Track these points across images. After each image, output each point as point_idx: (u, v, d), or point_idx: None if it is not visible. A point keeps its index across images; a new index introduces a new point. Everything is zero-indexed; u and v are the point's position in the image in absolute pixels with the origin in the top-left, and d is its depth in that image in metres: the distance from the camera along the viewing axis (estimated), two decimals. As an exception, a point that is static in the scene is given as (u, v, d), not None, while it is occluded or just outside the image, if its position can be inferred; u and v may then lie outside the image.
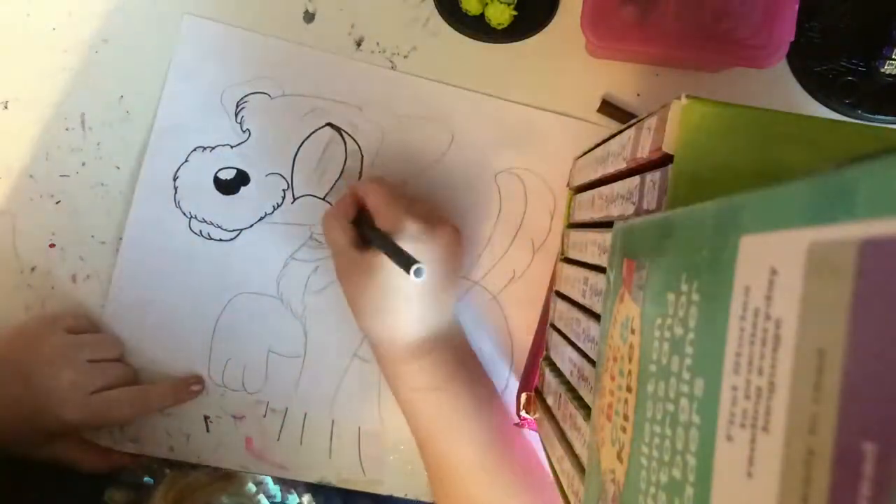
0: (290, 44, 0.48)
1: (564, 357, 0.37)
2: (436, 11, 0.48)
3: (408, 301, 0.42)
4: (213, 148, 0.49)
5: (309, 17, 0.49)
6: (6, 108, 0.49)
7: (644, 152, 0.27)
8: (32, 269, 0.49)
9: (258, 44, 0.48)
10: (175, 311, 0.49)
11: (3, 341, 0.46)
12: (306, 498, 0.51)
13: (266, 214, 0.49)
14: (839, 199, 0.12)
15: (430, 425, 0.44)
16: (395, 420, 0.49)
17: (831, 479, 0.11)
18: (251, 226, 0.49)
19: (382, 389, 0.49)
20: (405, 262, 0.35)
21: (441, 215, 0.44)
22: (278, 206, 0.49)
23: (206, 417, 0.49)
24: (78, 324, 0.47)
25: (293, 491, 0.51)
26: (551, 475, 0.37)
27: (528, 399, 0.44)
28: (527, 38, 0.48)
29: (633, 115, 0.47)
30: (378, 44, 0.48)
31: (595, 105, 0.48)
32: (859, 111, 0.46)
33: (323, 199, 0.49)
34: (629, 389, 0.22)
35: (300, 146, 0.49)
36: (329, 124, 0.49)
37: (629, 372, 0.22)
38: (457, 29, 0.48)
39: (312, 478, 0.49)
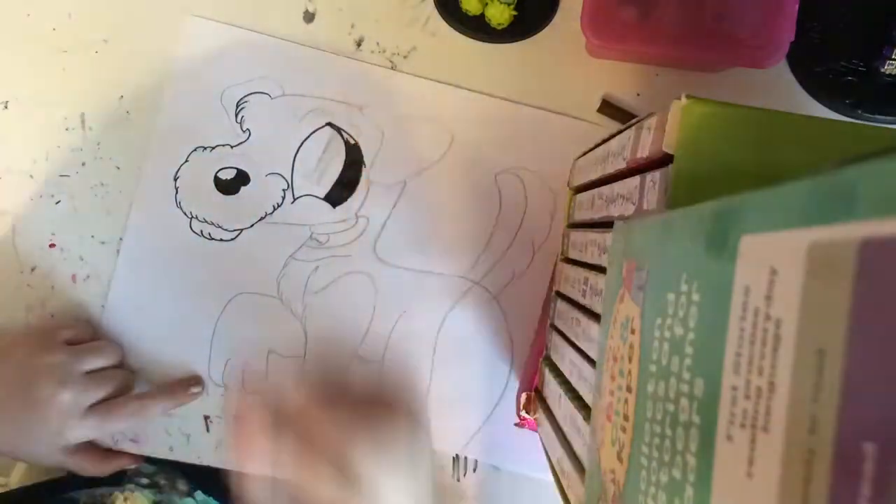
0: (290, 44, 0.48)
1: (564, 357, 0.37)
2: (436, 11, 0.48)
3: None
4: (213, 148, 0.49)
5: (309, 17, 0.49)
6: (6, 108, 0.49)
7: (644, 152, 0.27)
8: (32, 269, 0.49)
9: (258, 44, 0.48)
10: (175, 311, 0.49)
11: (1, 357, 0.45)
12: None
13: (266, 214, 0.49)
14: (839, 199, 0.12)
15: None
16: (395, 420, 0.49)
17: (831, 479, 0.11)
18: (251, 226, 0.49)
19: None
20: None
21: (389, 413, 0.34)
22: (278, 206, 0.49)
23: (206, 417, 0.49)
24: (77, 334, 0.47)
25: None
26: (551, 476, 0.37)
27: (528, 399, 0.44)
28: (527, 38, 0.48)
29: (633, 115, 0.47)
30: (378, 44, 0.48)
31: (595, 105, 0.48)
32: (859, 111, 0.46)
33: (323, 199, 0.49)
34: (629, 389, 0.22)
35: (300, 146, 0.49)
36: (329, 124, 0.49)
37: (629, 372, 0.22)
38: (457, 29, 0.48)
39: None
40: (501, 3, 0.46)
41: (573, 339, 0.36)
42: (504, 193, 0.48)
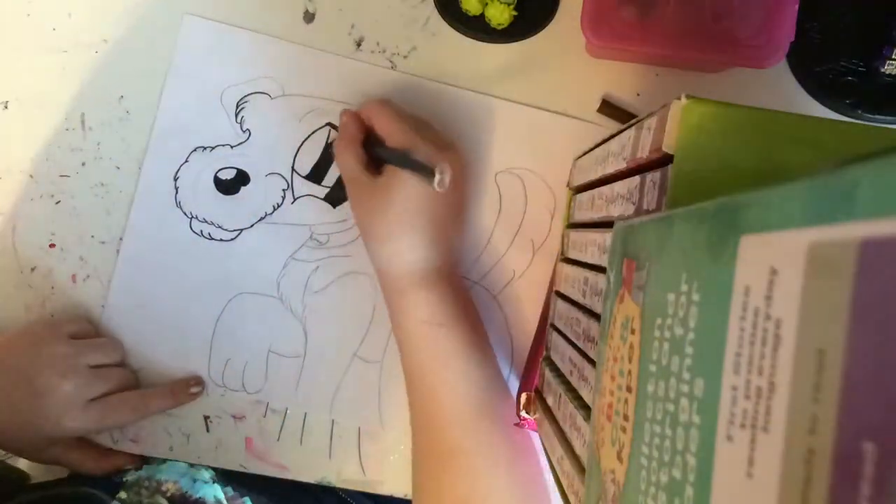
0: (290, 44, 0.48)
1: (564, 357, 0.37)
2: (436, 11, 0.48)
3: (417, 229, 0.42)
4: (213, 148, 0.49)
5: (309, 17, 0.49)
6: (6, 108, 0.49)
7: (644, 152, 0.27)
8: (32, 269, 0.49)
9: (258, 44, 0.48)
10: (175, 312, 0.49)
11: (5, 346, 0.46)
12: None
13: (266, 214, 0.49)
14: (839, 199, 0.12)
15: (427, 360, 0.43)
16: (395, 420, 0.49)
17: (831, 479, 0.11)
18: (251, 226, 0.49)
19: (382, 389, 0.49)
20: (427, 171, 0.35)
21: (451, 144, 0.45)
22: (278, 206, 0.49)
23: (206, 417, 0.49)
24: (80, 329, 0.47)
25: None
26: (551, 475, 0.37)
27: (528, 399, 0.44)
28: (527, 38, 0.48)
29: (633, 115, 0.47)
30: (378, 44, 0.48)
31: (595, 105, 0.48)
32: (859, 111, 0.46)
33: (323, 199, 0.49)
34: (629, 389, 0.22)
35: (300, 146, 0.49)
36: (329, 124, 0.49)
37: (629, 372, 0.22)
38: (457, 29, 0.48)
39: (312, 478, 0.49)
40: (501, 3, 0.46)
41: (573, 339, 0.36)
42: (504, 193, 0.48)
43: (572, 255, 0.41)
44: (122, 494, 0.44)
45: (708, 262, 0.17)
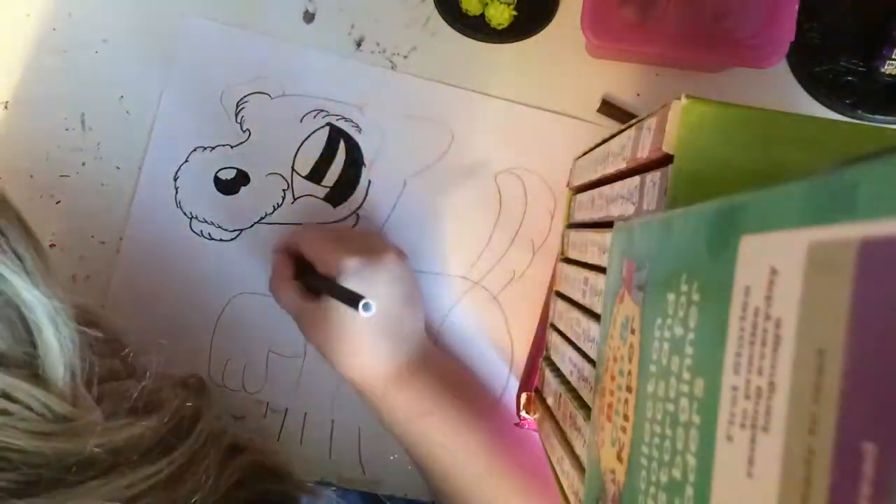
0: (290, 44, 0.48)
1: (564, 357, 0.37)
2: (436, 11, 0.48)
3: (373, 336, 0.41)
4: (213, 148, 0.49)
5: (309, 17, 0.49)
6: (6, 108, 0.49)
7: (644, 152, 0.27)
8: (32, 269, 0.49)
9: (258, 44, 0.48)
10: (175, 312, 0.49)
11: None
12: None
13: (266, 214, 0.49)
14: (839, 199, 0.12)
15: (430, 448, 0.43)
16: (395, 420, 0.49)
17: (831, 479, 0.11)
18: (251, 226, 0.49)
19: (382, 389, 0.49)
20: (351, 299, 0.35)
21: (380, 243, 0.44)
22: (278, 206, 0.49)
23: (206, 417, 0.49)
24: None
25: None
26: (552, 476, 0.37)
27: (528, 399, 0.44)
28: (527, 38, 0.48)
29: (633, 115, 0.47)
30: (378, 44, 0.48)
31: (595, 105, 0.48)
32: (859, 111, 0.46)
33: (323, 199, 0.49)
34: (629, 389, 0.22)
35: (300, 146, 0.49)
36: (329, 124, 0.49)
37: (629, 372, 0.22)
38: (457, 29, 0.48)
39: (312, 478, 0.49)
40: (501, 3, 0.46)
41: (573, 339, 0.36)
42: (504, 193, 0.48)
43: (572, 255, 0.41)
44: None
45: (708, 262, 0.17)
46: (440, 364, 0.45)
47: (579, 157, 0.44)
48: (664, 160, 0.25)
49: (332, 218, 0.49)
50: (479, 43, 0.48)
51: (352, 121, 0.49)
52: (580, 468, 0.30)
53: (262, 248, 0.49)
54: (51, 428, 0.29)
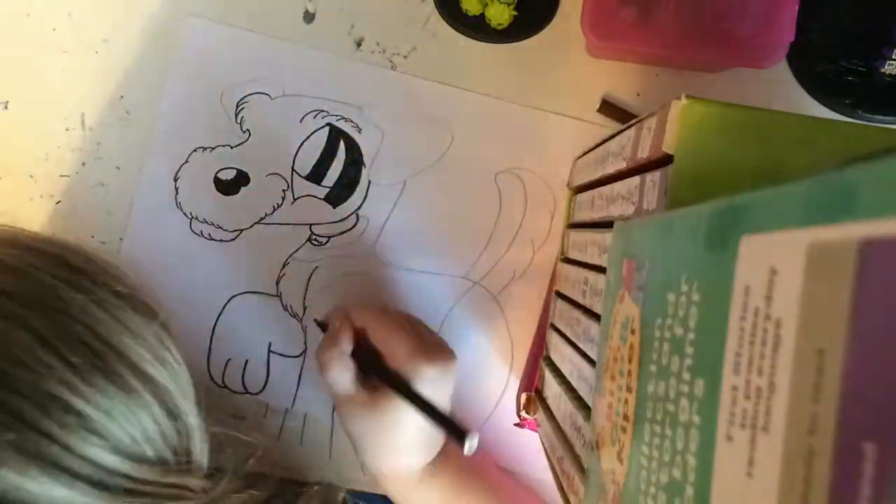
0: (290, 44, 0.48)
1: (564, 357, 0.37)
2: (436, 11, 0.48)
3: (420, 438, 0.40)
4: (213, 148, 0.49)
5: (309, 17, 0.49)
6: (6, 108, 0.49)
7: (644, 152, 0.27)
8: (32, 269, 0.49)
9: (258, 44, 0.48)
10: (175, 312, 0.49)
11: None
12: None
13: (266, 214, 0.49)
14: (839, 199, 0.12)
15: None
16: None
17: (831, 479, 0.11)
18: (251, 226, 0.49)
19: (382, 389, 0.49)
20: (457, 433, 0.33)
21: (446, 345, 0.42)
22: (278, 206, 0.49)
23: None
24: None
25: None
26: (552, 475, 0.37)
27: (528, 399, 0.44)
28: (527, 38, 0.48)
29: (633, 115, 0.47)
30: (378, 44, 0.48)
31: (595, 105, 0.48)
32: (859, 111, 0.46)
33: (323, 199, 0.49)
34: (629, 389, 0.22)
35: (300, 146, 0.49)
36: (329, 124, 0.49)
37: (629, 372, 0.22)
38: (457, 29, 0.48)
39: (312, 478, 0.49)
40: (501, 3, 0.46)
41: (573, 339, 0.36)
42: (504, 193, 0.48)
43: (572, 255, 0.41)
44: None
45: (708, 262, 0.17)
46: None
47: (579, 157, 0.44)
48: (664, 160, 0.25)
49: (332, 218, 0.49)
50: (479, 43, 0.48)
51: (352, 121, 0.49)
52: (580, 468, 0.30)
53: (263, 248, 0.49)
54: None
